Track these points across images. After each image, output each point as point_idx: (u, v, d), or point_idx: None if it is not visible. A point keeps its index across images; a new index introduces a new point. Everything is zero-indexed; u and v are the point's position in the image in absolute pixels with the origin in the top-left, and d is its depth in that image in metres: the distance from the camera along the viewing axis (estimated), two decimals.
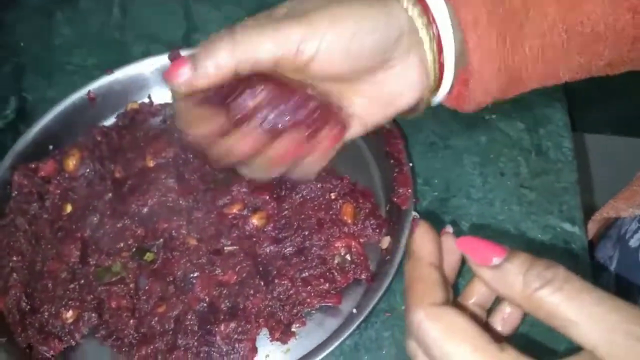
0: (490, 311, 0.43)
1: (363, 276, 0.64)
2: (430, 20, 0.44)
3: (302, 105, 0.43)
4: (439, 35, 0.44)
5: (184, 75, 0.41)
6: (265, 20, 0.42)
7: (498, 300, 0.42)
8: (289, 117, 0.43)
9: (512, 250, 0.36)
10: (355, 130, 0.47)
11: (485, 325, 0.42)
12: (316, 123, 0.44)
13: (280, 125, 0.43)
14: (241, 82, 0.42)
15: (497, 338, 0.35)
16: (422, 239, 0.41)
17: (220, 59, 0.40)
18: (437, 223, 0.42)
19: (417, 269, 0.39)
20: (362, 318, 0.58)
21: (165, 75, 0.42)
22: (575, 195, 0.73)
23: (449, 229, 0.43)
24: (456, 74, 0.46)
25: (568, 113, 0.81)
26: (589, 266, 0.69)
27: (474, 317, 0.40)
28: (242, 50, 0.40)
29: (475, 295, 0.42)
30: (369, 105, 0.46)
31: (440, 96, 0.48)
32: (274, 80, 0.43)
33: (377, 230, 0.66)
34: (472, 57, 0.45)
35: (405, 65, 0.44)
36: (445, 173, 0.75)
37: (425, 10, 0.44)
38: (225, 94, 0.42)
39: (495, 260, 0.35)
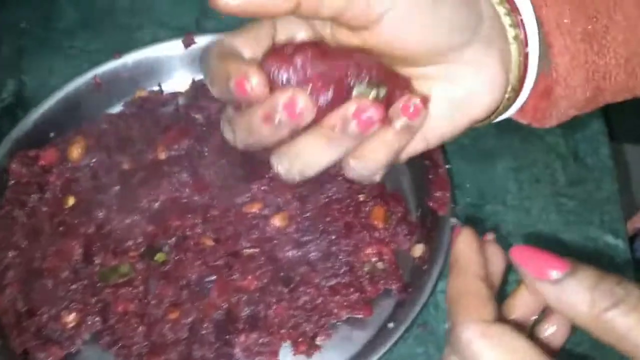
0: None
1: (394, 286, 0.58)
2: (513, 8, 0.38)
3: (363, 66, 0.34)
4: (523, 25, 0.38)
5: None
6: None
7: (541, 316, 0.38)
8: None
9: (576, 263, 0.32)
10: (415, 144, 0.38)
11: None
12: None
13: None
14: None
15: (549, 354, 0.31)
16: (466, 247, 0.36)
17: None
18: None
19: (462, 282, 0.35)
20: (400, 333, 0.53)
21: None
22: (617, 206, 0.68)
23: (491, 235, 0.39)
24: (535, 81, 0.40)
25: (605, 120, 0.76)
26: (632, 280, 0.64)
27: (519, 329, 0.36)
28: None
29: (518, 310, 0.37)
30: (436, 108, 0.38)
31: (516, 105, 0.41)
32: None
33: (409, 237, 0.61)
34: (559, 61, 0.39)
35: (484, 59, 0.37)
36: (477, 177, 0.70)
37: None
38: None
39: (556, 274, 0.31)
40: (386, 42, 0.35)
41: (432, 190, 0.61)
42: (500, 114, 0.41)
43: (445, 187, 0.61)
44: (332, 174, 0.64)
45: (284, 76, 0.33)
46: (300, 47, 0.34)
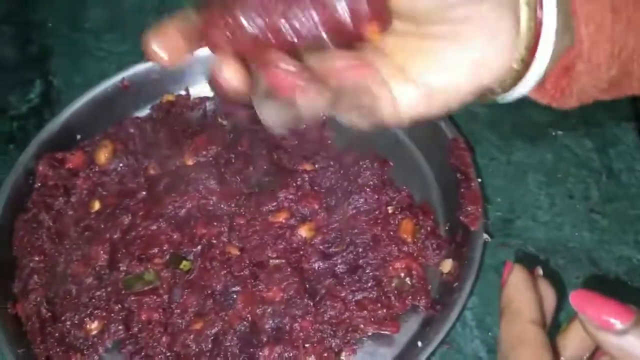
0: None
1: (422, 303, 0.57)
2: None
3: None
4: None
5: None
6: None
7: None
8: None
9: None
10: (416, 104, 0.36)
11: None
12: None
13: None
14: None
15: None
16: (521, 288, 0.35)
17: None
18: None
19: (518, 328, 0.33)
20: (428, 352, 0.51)
21: None
22: None
23: (540, 271, 0.37)
24: (554, 57, 0.37)
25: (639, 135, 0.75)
26: None
27: None
28: None
29: (569, 350, 0.36)
30: (442, 70, 0.36)
31: (531, 79, 0.38)
32: None
33: (437, 252, 0.60)
34: (582, 31, 0.36)
35: (495, 20, 0.35)
36: (508, 191, 0.69)
37: None
38: None
39: (620, 326, 0.30)
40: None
41: (464, 204, 0.60)
42: (511, 86, 0.38)
43: (477, 202, 0.59)
44: (360, 184, 0.63)
45: None
46: None
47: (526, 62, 0.36)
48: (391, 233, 0.60)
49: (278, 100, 0.33)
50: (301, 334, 0.54)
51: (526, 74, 0.37)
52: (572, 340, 0.35)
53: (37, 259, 0.59)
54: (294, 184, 0.63)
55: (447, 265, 0.59)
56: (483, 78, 0.35)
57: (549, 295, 0.36)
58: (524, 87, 0.39)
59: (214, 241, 0.59)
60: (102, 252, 0.59)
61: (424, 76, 0.35)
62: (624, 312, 0.30)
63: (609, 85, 0.39)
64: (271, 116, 0.33)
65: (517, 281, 0.35)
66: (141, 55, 0.74)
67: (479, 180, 0.62)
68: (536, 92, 0.40)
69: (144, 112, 0.73)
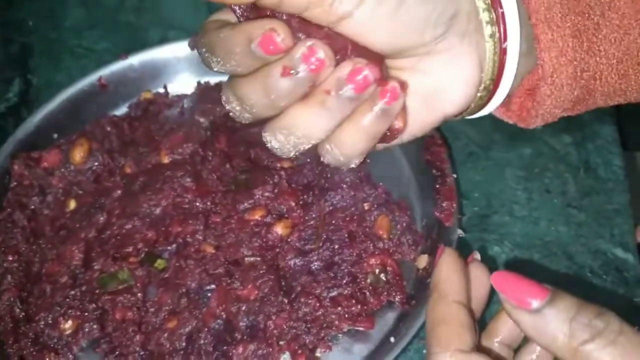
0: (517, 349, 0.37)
1: (397, 299, 0.57)
2: (494, 3, 0.36)
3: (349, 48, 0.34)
4: (504, 21, 0.36)
5: None
6: None
7: (527, 339, 0.37)
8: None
9: (556, 292, 0.31)
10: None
11: None
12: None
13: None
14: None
15: None
16: (448, 270, 0.35)
17: None
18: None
19: (442, 308, 0.34)
20: (401, 347, 0.51)
21: None
22: (628, 219, 0.67)
23: (477, 255, 0.38)
24: (519, 79, 0.39)
25: (617, 129, 0.75)
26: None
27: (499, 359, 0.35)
28: None
29: (502, 333, 0.36)
30: (407, 102, 0.37)
31: (495, 103, 0.40)
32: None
33: (413, 247, 0.60)
34: (545, 57, 0.37)
35: (457, 52, 0.36)
36: (486, 187, 0.69)
37: None
38: None
39: (535, 304, 0.30)
40: (353, 39, 0.34)
41: (439, 200, 0.60)
42: (475, 111, 0.40)
43: (452, 198, 0.59)
44: (337, 181, 0.63)
45: None
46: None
47: (490, 91, 0.38)
48: (367, 229, 0.60)
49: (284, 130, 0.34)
50: (275, 331, 0.54)
51: (491, 98, 0.38)
52: (504, 325, 0.36)
53: (11, 258, 0.59)
54: (271, 182, 0.62)
55: (423, 261, 0.59)
56: (445, 107, 0.37)
57: (483, 280, 0.36)
58: (489, 109, 0.41)
59: (189, 239, 0.59)
60: (77, 251, 0.59)
61: None
62: (539, 291, 0.30)
63: (573, 104, 0.40)
64: (279, 142, 0.35)
65: (445, 264, 0.35)
66: (120, 52, 0.75)
67: (455, 176, 0.62)
68: (503, 113, 0.42)
69: (122, 110, 0.73)
